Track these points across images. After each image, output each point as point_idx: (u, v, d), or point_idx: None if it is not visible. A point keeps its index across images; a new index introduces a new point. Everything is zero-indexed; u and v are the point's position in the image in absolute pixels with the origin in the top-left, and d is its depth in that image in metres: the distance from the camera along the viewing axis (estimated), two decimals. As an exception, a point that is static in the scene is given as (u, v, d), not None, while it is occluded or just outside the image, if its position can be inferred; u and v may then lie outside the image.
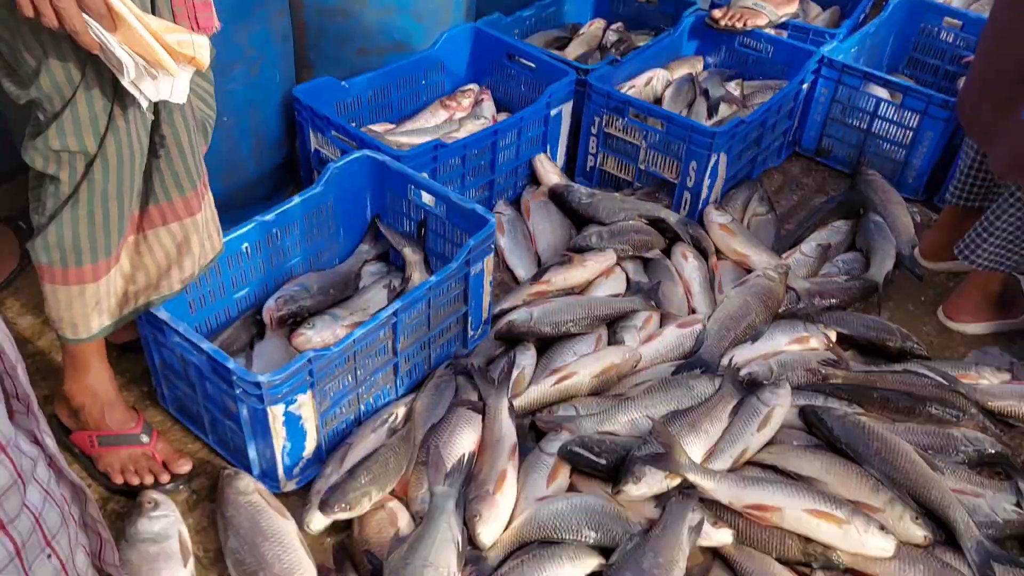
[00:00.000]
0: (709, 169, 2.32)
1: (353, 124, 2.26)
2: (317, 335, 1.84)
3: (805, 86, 2.67)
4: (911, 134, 2.58)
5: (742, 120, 2.35)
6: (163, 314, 1.58)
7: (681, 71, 2.77)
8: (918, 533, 1.61)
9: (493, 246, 1.89)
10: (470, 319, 1.96)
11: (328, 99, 2.27)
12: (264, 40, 2.10)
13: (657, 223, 2.34)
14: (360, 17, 2.33)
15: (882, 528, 1.58)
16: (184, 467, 1.70)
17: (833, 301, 2.18)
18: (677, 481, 1.64)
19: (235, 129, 2.13)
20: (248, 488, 1.62)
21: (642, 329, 2.06)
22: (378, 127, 2.41)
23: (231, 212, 1.94)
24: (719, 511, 1.64)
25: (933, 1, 2.98)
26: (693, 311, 2.16)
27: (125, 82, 1.22)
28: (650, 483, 1.62)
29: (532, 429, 1.85)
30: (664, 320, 2.11)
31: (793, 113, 2.69)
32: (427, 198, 1.99)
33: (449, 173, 2.22)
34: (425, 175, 2.06)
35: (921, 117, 2.53)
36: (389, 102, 2.49)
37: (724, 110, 2.65)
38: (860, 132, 2.68)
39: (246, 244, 1.85)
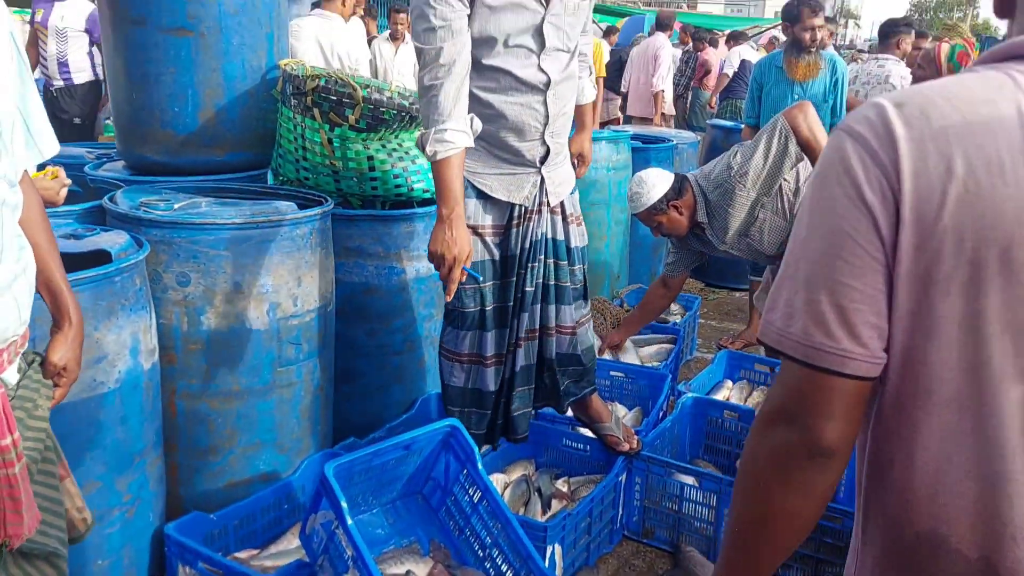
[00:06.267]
0: (547, 559, 2.62)
1: (220, 553, 2.45)
2: None
3: (622, 478, 3.12)
4: (714, 512, 3.02)
5: (569, 513, 2.72)
6: None
7: (516, 472, 3.19)
8: None
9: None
10: None
11: (197, 533, 2.48)
12: (140, 486, 2.36)
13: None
14: (228, 454, 2.65)
15: None
16: None
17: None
18: None
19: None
20: None
21: None
22: (242, 554, 2.60)
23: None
24: None
25: (714, 399, 3.67)
26: None
27: None
28: None
29: None
30: None
31: (616, 502, 3.10)
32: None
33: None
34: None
35: (719, 497, 3.00)
36: (254, 529, 2.71)
37: (556, 505, 3.03)
38: (674, 514, 3.11)
39: None
